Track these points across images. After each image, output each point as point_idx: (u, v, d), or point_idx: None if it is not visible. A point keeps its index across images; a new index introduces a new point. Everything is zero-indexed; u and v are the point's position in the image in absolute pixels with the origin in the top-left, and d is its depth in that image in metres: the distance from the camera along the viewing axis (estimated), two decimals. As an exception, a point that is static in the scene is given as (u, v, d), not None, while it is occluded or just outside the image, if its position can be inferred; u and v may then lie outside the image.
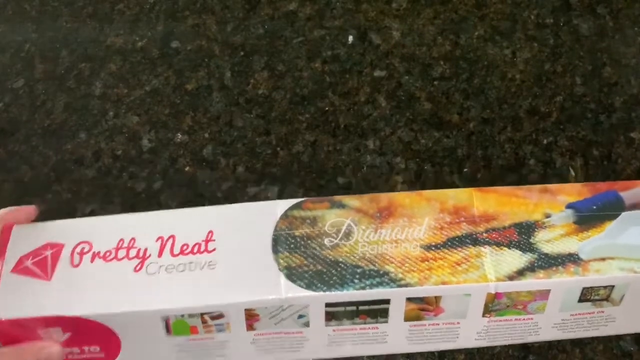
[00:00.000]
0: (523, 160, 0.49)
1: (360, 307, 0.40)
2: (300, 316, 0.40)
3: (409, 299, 0.39)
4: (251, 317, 0.39)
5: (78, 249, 0.40)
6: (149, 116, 0.57)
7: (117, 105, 0.58)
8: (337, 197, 0.43)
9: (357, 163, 0.52)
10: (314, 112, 0.56)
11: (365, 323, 0.41)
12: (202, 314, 0.39)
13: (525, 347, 0.43)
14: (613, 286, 0.40)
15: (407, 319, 0.41)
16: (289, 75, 0.58)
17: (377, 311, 0.40)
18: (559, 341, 0.43)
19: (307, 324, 0.40)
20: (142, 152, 0.55)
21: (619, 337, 0.43)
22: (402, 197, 0.43)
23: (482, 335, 0.42)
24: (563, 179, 0.50)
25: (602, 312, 0.41)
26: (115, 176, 0.54)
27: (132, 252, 0.40)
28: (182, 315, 0.39)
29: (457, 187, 0.50)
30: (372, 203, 0.42)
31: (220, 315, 0.39)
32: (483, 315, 0.40)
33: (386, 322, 0.41)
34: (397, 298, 0.39)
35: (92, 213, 0.51)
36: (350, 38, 0.60)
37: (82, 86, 0.59)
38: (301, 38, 0.61)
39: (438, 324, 0.41)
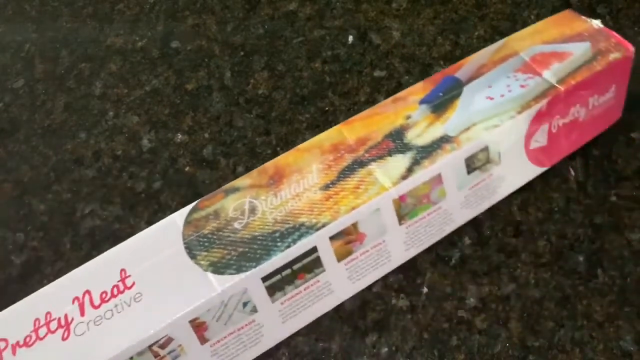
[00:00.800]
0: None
1: (295, 267, 0.41)
2: (245, 304, 0.40)
3: (331, 238, 0.41)
4: (199, 328, 0.39)
5: None
6: (149, 116, 0.57)
7: (117, 105, 0.58)
8: (227, 185, 0.44)
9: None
10: (314, 112, 0.56)
11: (306, 281, 0.42)
12: (150, 348, 0.37)
13: (525, 347, 0.43)
14: (487, 147, 0.44)
15: (340, 257, 0.42)
16: (289, 75, 0.58)
17: (310, 264, 0.41)
18: (558, 341, 0.43)
19: (254, 309, 0.40)
20: (142, 152, 0.55)
21: (619, 337, 0.43)
22: (285, 158, 0.45)
23: (409, 243, 0.45)
24: (563, 178, 0.50)
25: (491, 175, 0.46)
26: (115, 176, 0.54)
27: (53, 325, 0.38)
28: (131, 358, 0.37)
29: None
30: (261, 175, 0.44)
31: (168, 340, 0.38)
32: (400, 224, 0.43)
33: (323, 270, 0.42)
34: (321, 241, 0.41)
35: (91, 213, 0.52)
36: (350, 38, 0.60)
37: (82, 86, 0.60)
38: (301, 38, 0.61)
39: (367, 251, 0.43)
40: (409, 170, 0.43)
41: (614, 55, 0.48)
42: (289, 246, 0.40)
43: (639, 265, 0.45)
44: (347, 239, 0.42)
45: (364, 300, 0.45)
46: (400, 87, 0.56)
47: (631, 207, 0.48)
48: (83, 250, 0.50)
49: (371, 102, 0.56)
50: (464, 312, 0.44)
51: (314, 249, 0.41)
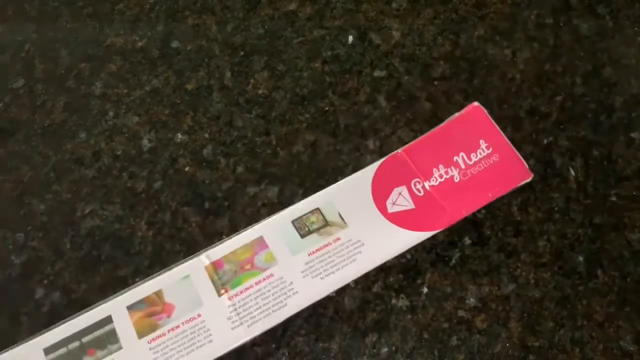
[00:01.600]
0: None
1: (84, 339, 0.36)
2: None
3: (130, 308, 0.37)
4: None
5: None
6: (149, 116, 0.57)
7: (117, 105, 0.58)
8: None
9: (357, 163, 0.52)
10: (314, 112, 0.56)
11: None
12: None
13: (525, 347, 0.43)
14: (318, 208, 0.41)
15: (141, 333, 0.37)
16: (289, 75, 0.58)
17: (104, 337, 0.36)
18: (558, 341, 0.43)
19: None
20: (142, 152, 0.55)
21: (619, 337, 0.43)
22: None
23: (236, 320, 0.38)
24: (563, 179, 0.50)
25: (339, 239, 0.40)
26: (115, 176, 0.54)
27: None
28: None
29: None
30: None
31: None
32: (220, 295, 0.38)
33: (120, 347, 0.36)
34: (116, 310, 0.37)
35: (91, 213, 0.52)
36: (350, 38, 0.60)
37: (82, 86, 0.60)
38: (301, 38, 0.61)
39: (177, 327, 0.37)
40: (223, 236, 0.39)
41: (455, 115, 0.46)
42: (78, 315, 0.36)
43: (639, 265, 0.45)
44: (151, 311, 0.37)
45: (364, 300, 0.45)
46: (400, 87, 0.56)
47: (631, 207, 0.48)
48: (83, 250, 0.50)
49: (371, 102, 0.56)
50: (464, 312, 0.44)
51: (108, 319, 0.36)
